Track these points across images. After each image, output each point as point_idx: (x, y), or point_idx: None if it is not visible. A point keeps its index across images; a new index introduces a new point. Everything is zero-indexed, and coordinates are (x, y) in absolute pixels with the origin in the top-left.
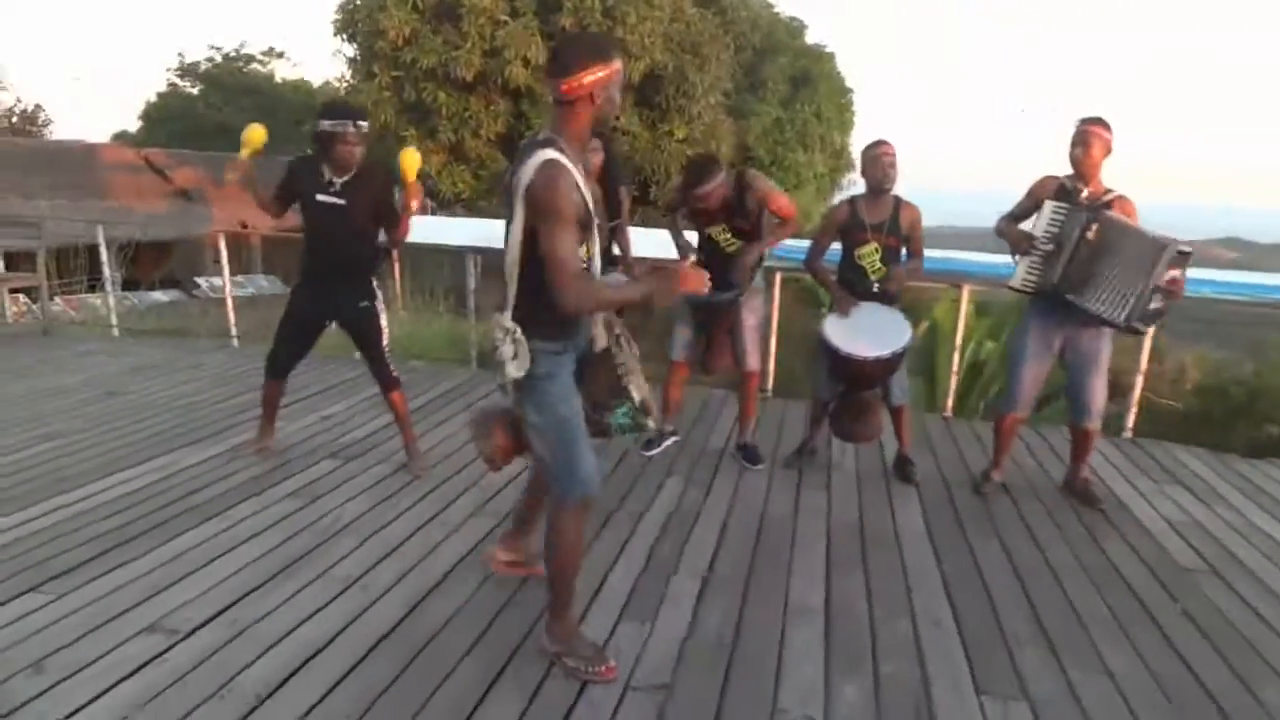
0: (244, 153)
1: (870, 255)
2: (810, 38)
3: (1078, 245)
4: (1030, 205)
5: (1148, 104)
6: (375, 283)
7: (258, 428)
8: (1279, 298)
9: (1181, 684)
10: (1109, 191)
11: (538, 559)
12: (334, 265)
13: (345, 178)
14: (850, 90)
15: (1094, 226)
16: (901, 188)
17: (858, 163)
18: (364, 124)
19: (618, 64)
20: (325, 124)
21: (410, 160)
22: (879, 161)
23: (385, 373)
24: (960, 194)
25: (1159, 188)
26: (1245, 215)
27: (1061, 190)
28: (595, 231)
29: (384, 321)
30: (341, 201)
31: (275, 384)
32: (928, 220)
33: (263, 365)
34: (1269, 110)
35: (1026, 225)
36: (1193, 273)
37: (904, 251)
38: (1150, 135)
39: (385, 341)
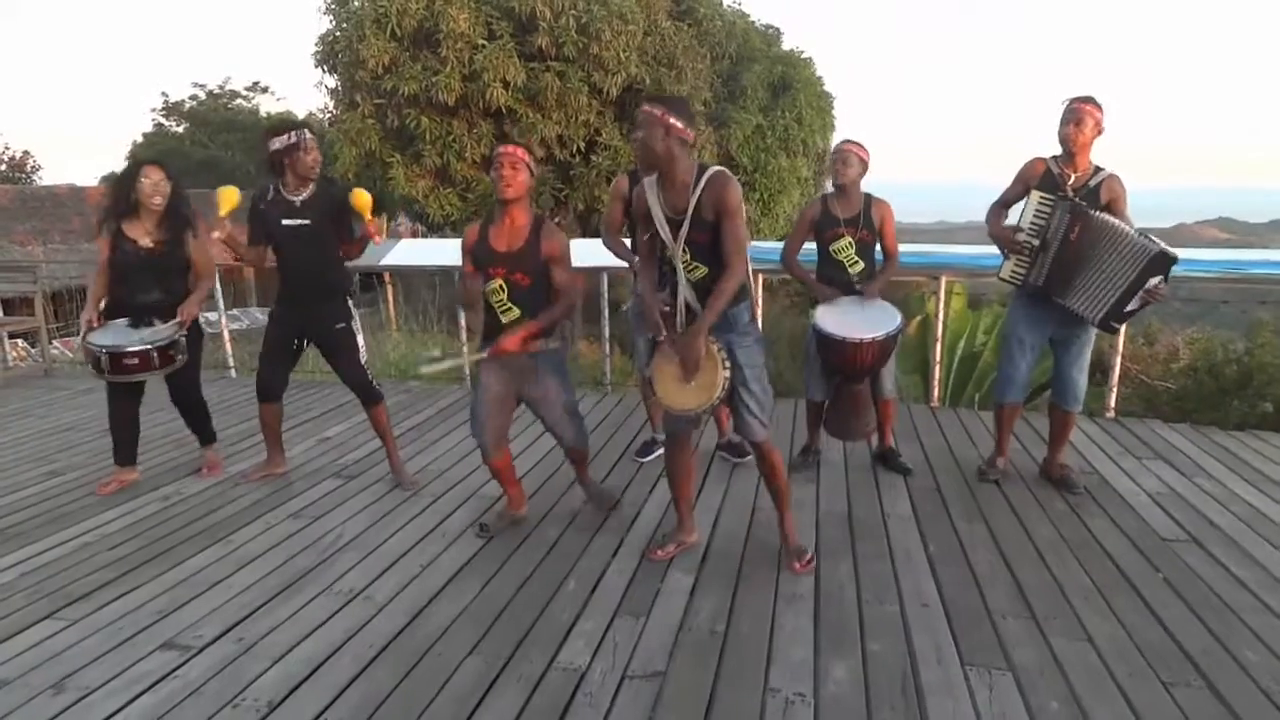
0: (222, 211)
1: (846, 249)
2: (788, 44)
3: (1062, 246)
4: (1019, 190)
5: (1138, 89)
6: (350, 303)
7: (265, 455)
8: (1269, 273)
9: (1162, 648)
10: (1098, 171)
11: None
12: (306, 286)
13: (304, 195)
14: (831, 96)
15: (1077, 228)
16: (901, 183)
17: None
18: (309, 133)
19: None
20: (277, 142)
21: (361, 200)
22: (838, 157)
23: (366, 386)
24: (951, 187)
25: (1152, 172)
26: (1237, 195)
27: (1048, 175)
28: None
29: (360, 340)
30: (306, 221)
31: (268, 407)
32: (921, 216)
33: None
34: (1259, 95)
35: (1015, 211)
36: (1183, 253)
37: (877, 247)
38: (1141, 120)
39: (364, 358)
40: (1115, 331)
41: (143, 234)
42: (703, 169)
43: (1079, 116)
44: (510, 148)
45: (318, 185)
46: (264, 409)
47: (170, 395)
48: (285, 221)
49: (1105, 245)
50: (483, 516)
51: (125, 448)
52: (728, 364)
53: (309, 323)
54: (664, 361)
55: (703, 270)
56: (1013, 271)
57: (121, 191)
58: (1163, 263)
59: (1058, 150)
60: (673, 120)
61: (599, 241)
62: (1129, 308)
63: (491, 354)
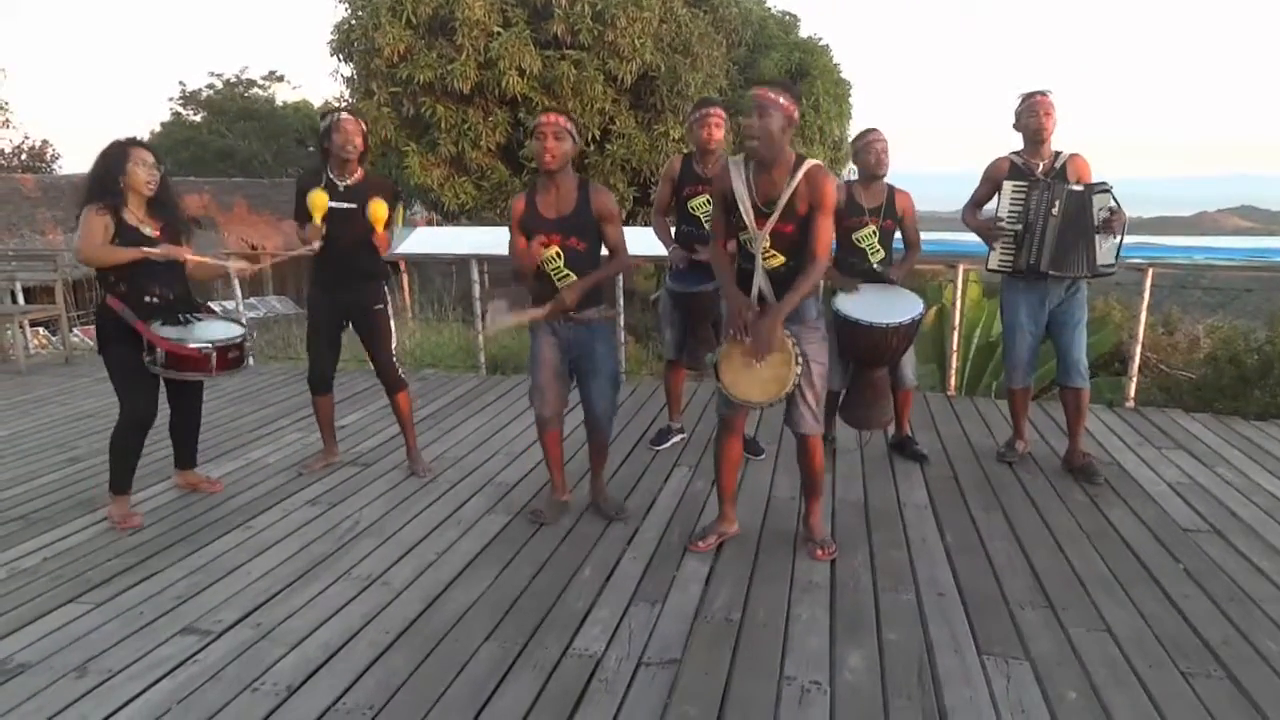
0: (317, 218)
1: (869, 238)
2: (805, 30)
3: (1046, 223)
4: (989, 189)
5: (1157, 77)
6: (386, 289)
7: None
8: None
9: (1181, 638)
10: (1059, 154)
11: None
12: (347, 269)
13: (351, 180)
14: (849, 83)
15: (1057, 203)
16: (919, 172)
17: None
18: (344, 114)
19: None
20: (322, 127)
21: (376, 213)
22: (872, 148)
23: (392, 373)
24: (970, 176)
25: (1173, 160)
26: (1259, 182)
27: (1015, 169)
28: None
29: (393, 325)
30: (353, 206)
31: (324, 399)
32: (939, 204)
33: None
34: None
35: (989, 207)
36: (1205, 241)
37: (897, 236)
38: (1160, 109)
39: (394, 344)
40: (1111, 272)
41: (139, 222)
42: (799, 160)
43: (1048, 109)
44: (552, 116)
45: (366, 172)
46: (319, 402)
47: (178, 402)
48: (333, 204)
49: (1075, 209)
50: (533, 501)
51: (132, 472)
52: (800, 360)
53: (350, 304)
54: (735, 348)
55: (780, 260)
56: (1000, 260)
57: (109, 174)
58: (1082, 195)
59: (1020, 146)
60: (795, 112)
61: None
62: (1105, 244)
63: (551, 311)
